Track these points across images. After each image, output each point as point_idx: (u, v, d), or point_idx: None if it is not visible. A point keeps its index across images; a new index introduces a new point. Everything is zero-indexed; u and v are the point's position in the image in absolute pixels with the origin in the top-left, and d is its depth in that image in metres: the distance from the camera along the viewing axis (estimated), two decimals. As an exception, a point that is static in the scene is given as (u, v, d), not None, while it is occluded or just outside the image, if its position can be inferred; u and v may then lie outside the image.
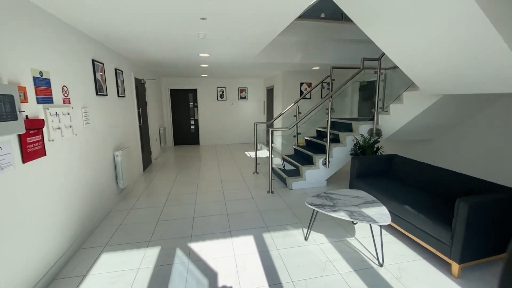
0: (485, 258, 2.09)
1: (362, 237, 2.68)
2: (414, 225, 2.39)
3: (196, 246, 2.54)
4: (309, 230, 2.75)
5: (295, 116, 5.00)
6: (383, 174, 3.50)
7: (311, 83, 6.65)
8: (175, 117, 8.17)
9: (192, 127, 8.35)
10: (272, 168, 3.84)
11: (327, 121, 3.94)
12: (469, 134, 3.76)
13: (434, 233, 2.19)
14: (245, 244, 2.58)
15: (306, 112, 3.88)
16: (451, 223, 2.10)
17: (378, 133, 4.18)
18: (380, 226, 2.27)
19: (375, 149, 3.91)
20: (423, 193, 2.79)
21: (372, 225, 2.29)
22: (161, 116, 7.46)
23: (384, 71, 4.02)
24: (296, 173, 4.35)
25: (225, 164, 5.74)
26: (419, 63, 2.56)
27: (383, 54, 3.97)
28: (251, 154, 6.88)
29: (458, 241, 2.00)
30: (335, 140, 4.31)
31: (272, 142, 3.74)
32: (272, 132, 3.77)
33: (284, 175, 4.26)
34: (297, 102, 4.96)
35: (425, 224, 2.27)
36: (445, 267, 2.18)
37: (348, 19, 5.05)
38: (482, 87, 2.32)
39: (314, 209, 2.55)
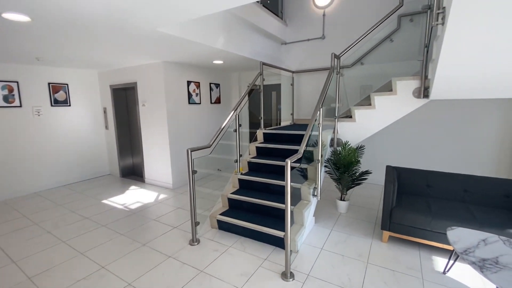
0: None
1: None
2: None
3: None
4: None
5: (235, 130, 3.18)
6: (399, 191, 3.00)
7: (199, 82, 4.81)
8: None
9: None
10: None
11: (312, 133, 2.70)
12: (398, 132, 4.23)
13: None
14: None
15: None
16: None
17: (339, 143, 3.63)
18: None
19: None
20: (471, 205, 2.56)
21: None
22: None
23: (341, 71, 3.50)
24: (270, 221, 2.72)
25: (95, 245, 2.57)
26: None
27: (345, 52, 3.42)
28: (115, 202, 3.80)
29: None
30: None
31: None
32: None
33: (266, 229, 2.51)
34: (237, 105, 3.15)
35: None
36: None
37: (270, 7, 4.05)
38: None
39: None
